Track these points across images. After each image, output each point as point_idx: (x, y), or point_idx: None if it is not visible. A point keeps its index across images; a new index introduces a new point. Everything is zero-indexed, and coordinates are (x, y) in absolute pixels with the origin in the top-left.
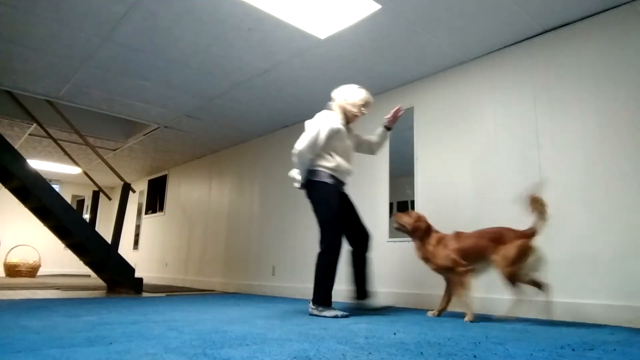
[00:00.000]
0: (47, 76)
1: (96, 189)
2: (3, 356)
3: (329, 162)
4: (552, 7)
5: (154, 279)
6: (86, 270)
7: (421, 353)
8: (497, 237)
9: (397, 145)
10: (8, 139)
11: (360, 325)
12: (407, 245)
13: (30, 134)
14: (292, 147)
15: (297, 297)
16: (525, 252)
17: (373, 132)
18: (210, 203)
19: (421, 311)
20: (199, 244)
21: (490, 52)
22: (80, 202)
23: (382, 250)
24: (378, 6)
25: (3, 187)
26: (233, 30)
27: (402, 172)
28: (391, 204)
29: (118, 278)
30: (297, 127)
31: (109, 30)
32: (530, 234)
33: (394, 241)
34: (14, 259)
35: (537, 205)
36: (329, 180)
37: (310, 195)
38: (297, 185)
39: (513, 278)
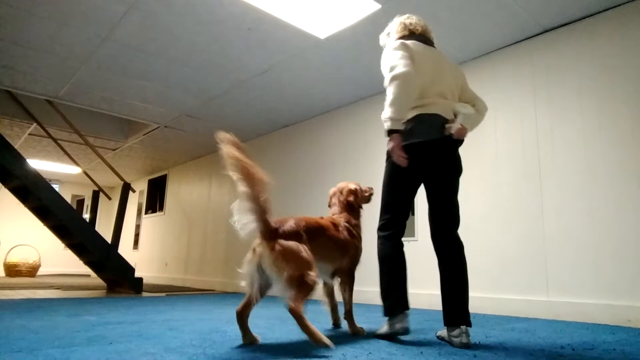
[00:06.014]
0: (47, 76)
1: (96, 188)
2: (3, 356)
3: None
4: (552, 7)
5: (154, 279)
6: (86, 270)
7: (421, 353)
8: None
9: None
10: (8, 139)
11: (360, 325)
12: (408, 245)
13: (30, 134)
14: (291, 147)
15: None
16: None
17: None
18: (210, 203)
19: (422, 311)
20: (199, 243)
21: (491, 52)
22: (80, 202)
23: None
24: (378, 6)
25: (3, 187)
26: (233, 30)
27: None
28: None
29: (118, 278)
30: (297, 127)
31: (109, 30)
32: None
33: None
34: (14, 258)
35: None
36: None
37: (456, 155)
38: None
39: None
